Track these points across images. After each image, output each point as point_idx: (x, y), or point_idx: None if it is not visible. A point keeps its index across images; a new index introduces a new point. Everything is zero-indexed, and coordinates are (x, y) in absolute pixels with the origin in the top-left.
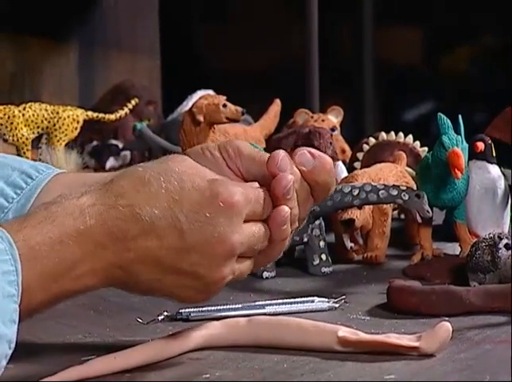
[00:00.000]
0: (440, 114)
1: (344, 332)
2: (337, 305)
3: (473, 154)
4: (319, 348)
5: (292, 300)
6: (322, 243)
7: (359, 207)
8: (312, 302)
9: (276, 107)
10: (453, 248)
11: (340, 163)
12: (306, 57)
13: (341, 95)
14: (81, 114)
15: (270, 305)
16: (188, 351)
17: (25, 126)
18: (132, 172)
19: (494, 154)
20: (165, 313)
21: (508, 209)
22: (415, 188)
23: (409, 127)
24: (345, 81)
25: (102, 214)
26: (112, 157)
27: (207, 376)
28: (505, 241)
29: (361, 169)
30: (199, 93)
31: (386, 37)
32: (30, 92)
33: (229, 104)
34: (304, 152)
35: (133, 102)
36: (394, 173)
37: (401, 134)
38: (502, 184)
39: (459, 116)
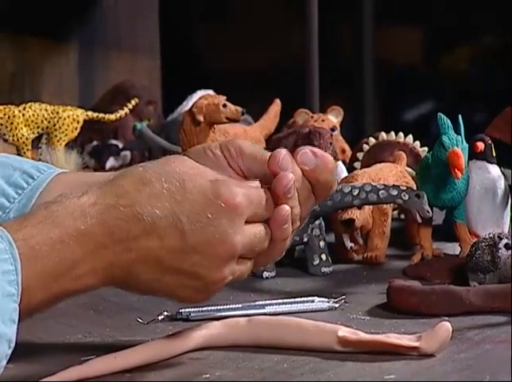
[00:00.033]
0: (440, 114)
1: (344, 332)
2: (337, 305)
3: (473, 154)
4: (319, 348)
5: (292, 300)
6: (322, 243)
7: (359, 207)
8: (312, 302)
9: (276, 107)
10: (453, 248)
11: (340, 163)
12: (306, 57)
13: (341, 95)
14: (81, 115)
15: (270, 305)
16: (188, 351)
17: (25, 126)
18: (133, 172)
19: (494, 154)
20: (165, 313)
21: (508, 209)
22: (415, 188)
23: (409, 127)
24: (345, 81)
25: (103, 214)
26: (112, 157)
27: (207, 375)
28: (505, 241)
29: (361, 169)
30: (199, 93)
31: (386, 37)
32: (30, 92)
33: (229, 104)
34: (306, 151)
35: (133, 102)
36: (394, 173)
37: (401, 134)
38: (502, 184)
39: (459, 116)
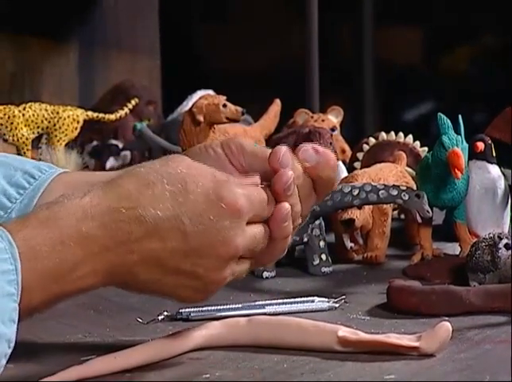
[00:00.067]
0: (440, 114)
1: (344, 332)
2: (337, 305)
3: (473, 154)
4: (319, 348)
5: (292, 300)
6: (322, 243)
7: (359, 207)
8: (312, 301)
9: (276, 107)
10: (453, 248)
11: (340, 163)
12: (306, 57)
13: (341, 95)
14: (81, 115)
15: (270, 305)
16: (188, 351)
17: (25, 126)
18: (135, 173)
19: (494, 154)
20: (165, 313)
21: (508, 209)
22: (415, 188)
23: (409, 127)
24: (345, 81)
25: (105, 216)
26: (112, 157)
27: (207, 375)
28: (505, 241)
29: (361, 169)
30: (199, 93)
31: (386, 37)
32: (30, 92)
33: (229, 104)
34: (307, 148)
35: (133, 102)
36: (394, 173)
37: (401, 134)
38: (502, 184)
39: (459, 116)
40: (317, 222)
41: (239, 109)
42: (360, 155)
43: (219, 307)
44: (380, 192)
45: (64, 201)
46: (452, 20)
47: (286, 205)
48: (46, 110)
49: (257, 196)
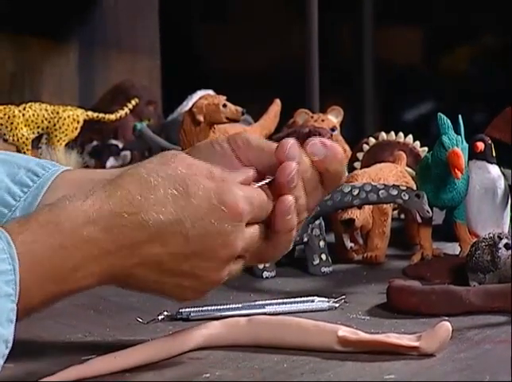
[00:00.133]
0: (440, 114)
1: (344, 331)
2: (337, 305)
3: (473, 154)
4: (319, 347)
5: (292, 300)
6: (322, 243)
7: (359, 207)
8: (312, 301)
9: (276, 107)
10: (453, 248)
11: None
12: (306, 57)
13: (341, 95)
14: (81, 115)
15: (270, 305)
16: (188, 350)
17: (25, 126)
18: (136, 175)
19: (494, 154)
20: (165, 313)
21: (508, 209)
22: (415, 188)
23: (409, 127)
24: (345, 81)
25: (107, 221)
26: (112, 157)
27: (207, 375)
28: (505, 241)
29: (361, 169)
30: (199, 93)
31: (386, 37)
32: (30, 92)
33: (229, 104)
34: (315, 142)
35: (133, 102)
36: (394, 173)
37: (401, 134)
38: (502, 184)
39: (459, 116)
40: (317, 222)
41: (239, 109)
42: (360, 155)
43: (219, 307)
44: (380, 192)
45: (65, 203)
46: (452, 20)
47: (289, 198)
48: (46, 110)
49: (257, 198)
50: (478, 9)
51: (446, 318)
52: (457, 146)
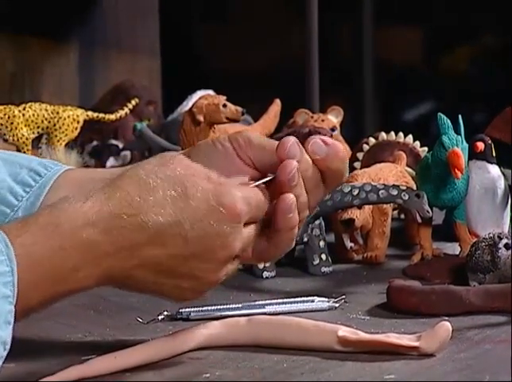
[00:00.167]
0: (440, 114)
1: (344, 331)
2: (337, 305)
3: (473, 154)
4: (319, 347)
5: (292, 300)
6: (322, 243)
7: (359, 207)
8: (312, 301)
9: (276, 107)
10: (453, 248)
11: None
12: (306, 57)
13: (341, 95)
14: (81, 115)
15: (270, 304)
16: (188, 350)
17: (25, 126)
18: (135, 177)
19: (494, 154)
20: (165, 313)
21: (508, 209)
22: (415, 188)
23: (409, 127)
24: (345, 81)
25: (107, 223)
26: (112, 157)
27: (207, 375)
28: (505, 241)
29: (361, 169)
30: (199, 93)
31: (386, 37)
32: (30, 92)
33: (229, 104)
34: (316, 140)
35: (133, 102)
36: (394, 173)
37: (401, 134)
38: (502, 184)
39: (459, 116)
40: (317, 222)
41: (239, 109)
42: (360, 155)
43: (219, 307)
44: (380, 192)
45: (65, 205)
46: (452, 20)
47: (290, 196)
48: (46, 110)
49: (255, 198)
50: (478, 9)
51: (446, 318)
52: (457, 146)
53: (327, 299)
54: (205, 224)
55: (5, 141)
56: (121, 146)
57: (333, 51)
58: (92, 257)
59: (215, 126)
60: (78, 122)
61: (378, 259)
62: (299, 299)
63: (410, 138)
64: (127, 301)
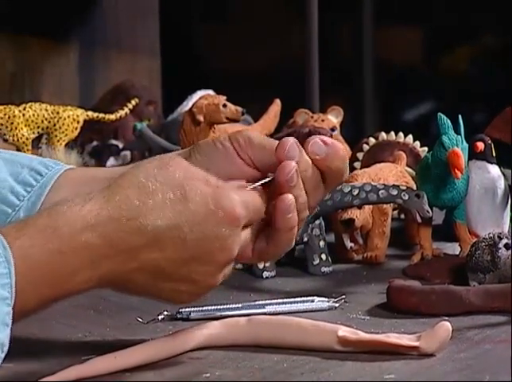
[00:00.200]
0: (440, 114)
1: (344, 331)
2: (337, 305)
3: (473, 154)
4: (319, 347)
5: (292, 300)
6: (322, 243)
7: (359, 207)
8: (312, 301)
9: (276, 107)
10: (453, 248)
11: None
12: (306, 57)
13: (341, 95)
14: (81, 115)
15: (270, 304)
16: (188, 350)
17: (26, 126)
18: (134, 180)
19: (494, 154)
20: (165, 313)
21: (508, 209)
22: (415, 188)
23: (409, 127)
24: (345, 81)
25: (105, 226)
26: (112, 157)
27: (207, 375)
28: (505, 241)
29: (361, 169)
30: (199, 93)
31: (386, 37)
32: (30, 92)
33: (229, 104)
34: (316, 140)
35: (133, 102)
36: (394, 173)
37: (401, 134)
38: (502, 184)
39: (459, 116)
40: (317, 222)
41: (239, 109)
42: (360, 155)
43: (219, 307)
44: (380, 192)
45: (63, 208)
46: (452, 20)
47: (289, 196)
48: (46, 110)
49: (252, 202)
50: (478, 9)
51: (446, 318)
52: (457, 146)
53: (327, 299)
54: (204, 228)
55: (6, 141)
56: (121, 146)
57: (333, 51)
58: (91, 261)
59: (215, 126)
60: (78, 122)
61: (378, 259)
62: (299, 299)
63: (410, 138)
64: (127, 301)
